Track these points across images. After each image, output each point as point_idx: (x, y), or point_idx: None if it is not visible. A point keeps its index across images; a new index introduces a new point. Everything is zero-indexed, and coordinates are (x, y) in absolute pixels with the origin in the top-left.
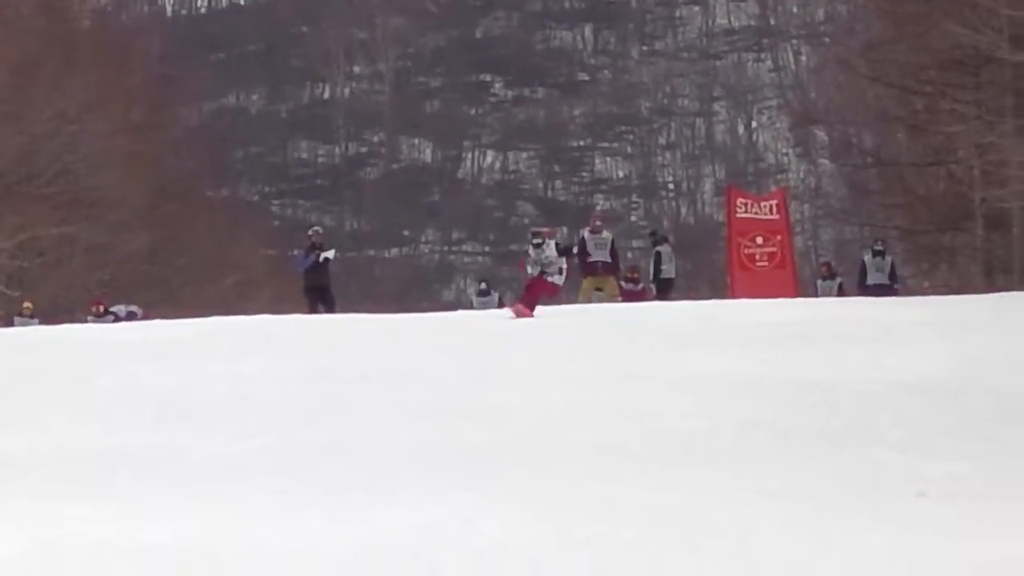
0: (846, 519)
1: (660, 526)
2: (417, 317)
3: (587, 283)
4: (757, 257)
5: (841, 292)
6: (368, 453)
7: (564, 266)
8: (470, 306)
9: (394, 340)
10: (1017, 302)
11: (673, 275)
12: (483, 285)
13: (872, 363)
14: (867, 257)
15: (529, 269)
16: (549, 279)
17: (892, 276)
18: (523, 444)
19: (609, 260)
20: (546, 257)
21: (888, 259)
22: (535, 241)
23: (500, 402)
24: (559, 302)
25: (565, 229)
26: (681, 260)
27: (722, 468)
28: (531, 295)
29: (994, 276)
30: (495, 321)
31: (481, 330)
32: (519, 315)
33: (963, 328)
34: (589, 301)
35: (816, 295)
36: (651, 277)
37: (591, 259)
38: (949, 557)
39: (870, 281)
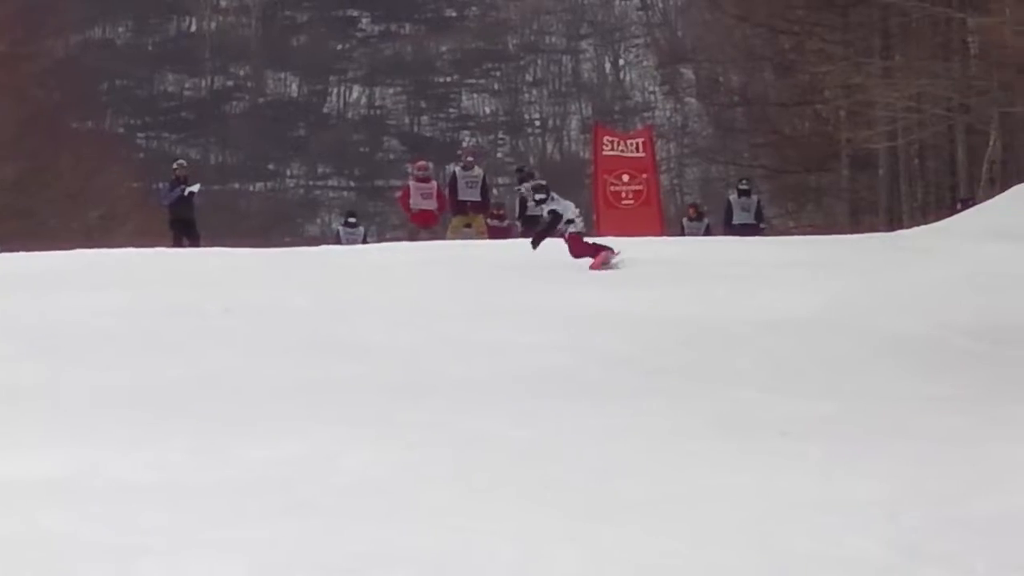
0: (712, 457)
1: (525, 462)
2: (282, 251)
3: (456, 220)
4: (623, 195)
5: (708, 234)
6: (231, 388)
7: (572, 219)
8: (335, 240)
9: (258, 274)
10: (883, 242)
11: (539, 213)
12: (351, 218)
13: (738, 302)
14: (733, 196)
15: (565, 228)
16: (576, 231)
17: (758, 216)
18: (387, 379)
19: (479, 199)
20: (551, 211)
21: (754, 198)
22: (538, 196)
23: (364, 337)
24: (432, 237)
25: (431, 164)
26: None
27: (587, 405)
28: (584, 248)
29: (860, 216)
30: (359, 255)
31: (345, 265)
32: (605, 264)
33: (829, 268)
34: (457, 238)
35: (682, 233)
36: (517, 214)
37: (461, 197)
38: (813, 496)
39: (736, 220)
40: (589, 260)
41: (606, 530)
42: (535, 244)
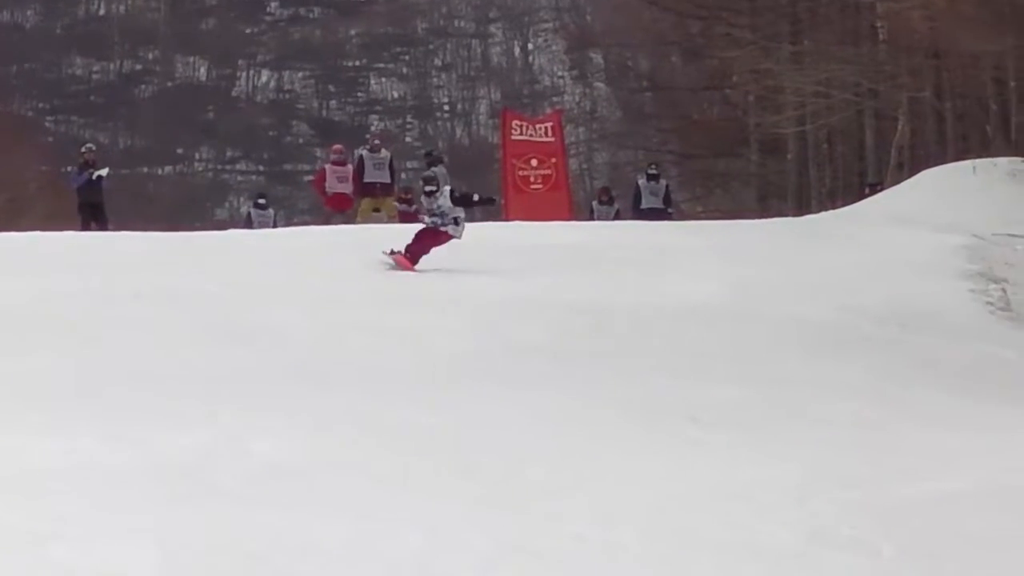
0: (620, 443)
1: (432, 448)
2: (191, 235)
3: (365, 203)
4: (532, 179)
5: (618, 218)
6: (141, 374)
7: (461, 215)
8: (246, 222)
9: (167, 259)
10: (791, 227)
11: None
12: (261, 200)
13: (647, 288)
14: (641, 181)
15: (427, 220)
16: (443, 228)
17: (667, 200)
18: (297, 366)
19: (387, 180)
20: (439, 206)
21: (663, 183)
22: (427, 188)
23: (274, 323)
24: (345, 221)
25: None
26: (456, 181)
27: (496, 392)
28: (418, 244)
29: (768, 201)
30: (269, 240)
31: (255, 249)
32: (399, 266)
33: (737, 254)
34: (367, 222)
35: (592, 218)
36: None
37: (368, 179)
38: (721, 482)
39: (644, 205)
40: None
41: (513, 517)
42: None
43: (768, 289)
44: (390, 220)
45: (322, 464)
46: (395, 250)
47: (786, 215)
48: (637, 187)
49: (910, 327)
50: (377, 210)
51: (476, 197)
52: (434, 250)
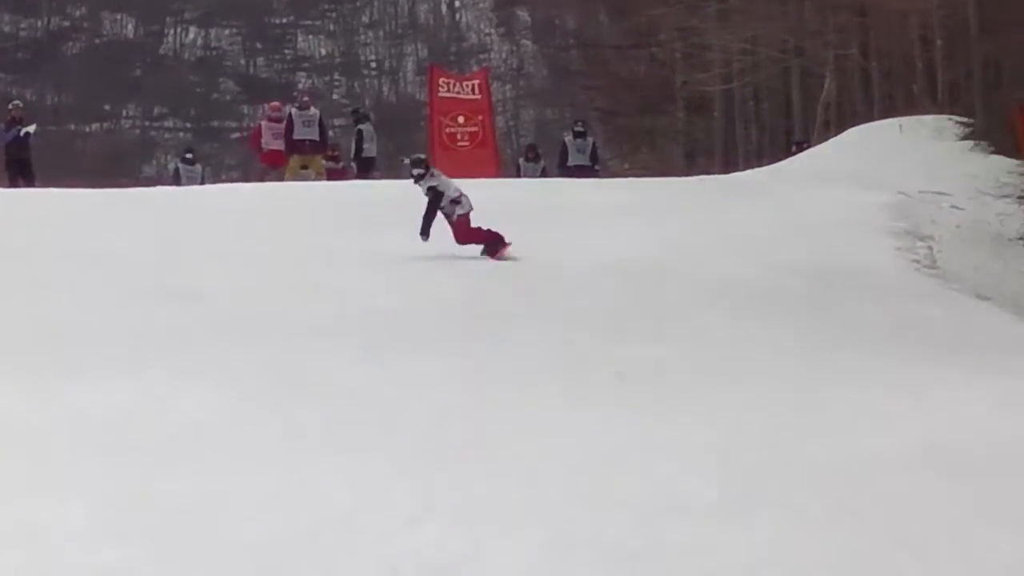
0: (544, 401)
1: (356, 405)
2: (118, 192)
3: (293, 161)
4: (459, 136)
5: (544, 175)
6: (65, 331)
7: (455, 198)
8: (173, 177)
9: (94, 216)
10: (718, 185)
11: (374, 154)
12: (189, 154)
13: (573, 245)
14: (568, 138)
15: (452, 207)
16: (454, 218)
17: (593, 158)
18: (221, 323)
19: (317, 138)
20: (429, 188)
21: (589, 140)
22: (415, 171)
23: (199, 280)
24: (279, 178)
25: (267, 106)
26: (383, 139)
27: (419, 348)
28: (473, 236)
29: (695, 159)
30: (196, 197)
31: (182, 207)
32: (503, 255)
33: (664, 212)
34: (295, 179)
35: (518, 174)
36: (352, 156)
37: (298, 137)
38: (647, 440)
39: (571, 162)
40: (476, 247)
41: (438, 472)
42: (425, 233)
43: (694, 247)
44: (318, 177)
45: (246, 421)
46: (487, 254)
47: (713, 173)
48: (564, 145)
49: (836, 285)
50: (305, 167)
51: (425, 218)
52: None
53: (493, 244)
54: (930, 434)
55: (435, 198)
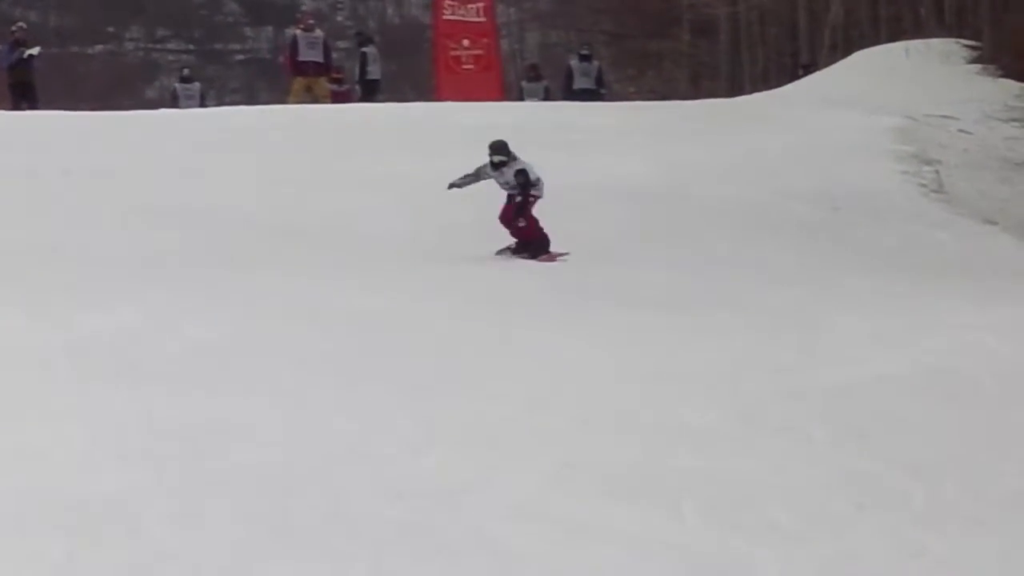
0: (550, 328)
1: (362, 331)
2: (121, 115)
3: (297, 83)
4: (463, 59)
5: (547, 96)
6: (68, 254)
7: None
8: (172, 98)
9: (98, 138)
10: (723, 109)
11: (379, 76)
12: (185, 72)
13: (578, 169)
14: (573, 62)
15: (466, 176)
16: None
17: (599, 81)
18: (223, 247)
19: (321, 60)
20: (505, 182)
21: (595, 64)
22: (496, 159)
23: (202, 203)
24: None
25: (271, 28)
26: (387, 62)
27: (426, 273)
28: (525, 233)
29: (700, 82)
30: (200, 120)
31: (186, 129)
32: (549, 259)
33: (670, 136)
34: (300, 102)
35: (522, 98)
36: (356, 78)
37: (302, 59)
38: (653, 366)
39: (576, 86)
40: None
41: (442, 400)
42: (515, 227)
43: (700, 171)
44: (323, 100)
45: (250, 346)
46: (528, 255)
47: (718, 96)
48: (569, 68)
49: (842, 210)
50: (309, 89)
51: (520, 200)
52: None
53: (541, 245)
54: (936, 359)
55: (527, 184)
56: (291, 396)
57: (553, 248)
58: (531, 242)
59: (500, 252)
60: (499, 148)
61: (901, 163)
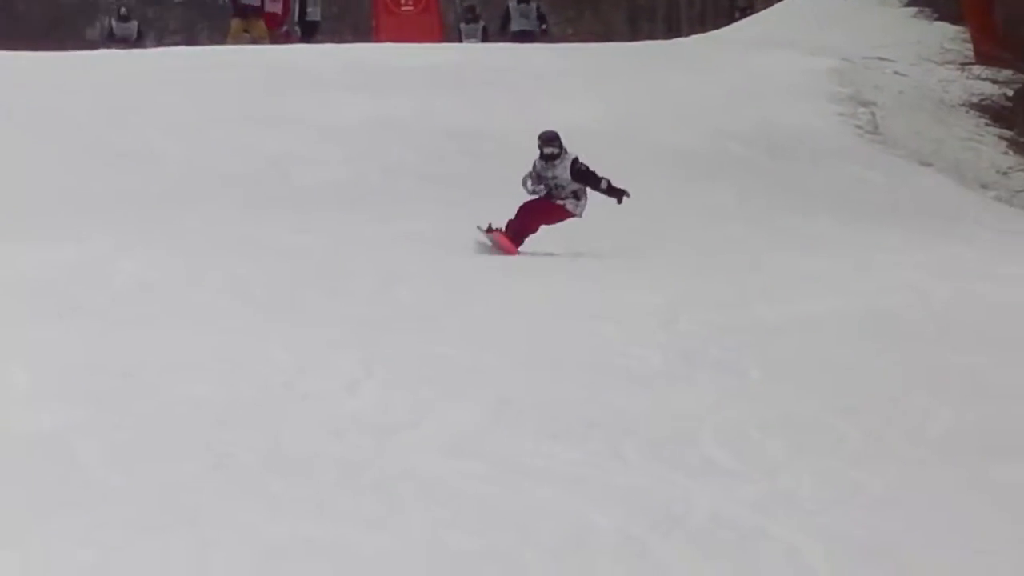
0: (487, 267)
1: (301, 268)
2: (62, 55)
3: (235, 25)
4: (402, 1)
5: (485, 37)
6: (7, 193)
7: (578, 190)
8: (108, 35)
9: (39, 79)
10: (661, 51)
11: (319, 18)
12: (123, 10)
13: (517, 111)
14: (511, 3)
15: (530, 185)
16: (559, 203)
17: (541, 18)
18: (165, 188)
19: (258, 3)
20: (554, 177)
21: (533, 5)
22: (546, 151)
23: (140, 144)
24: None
25: None
26: (327, 3)
27: (367, 212)
28: (521, 221)
29: (638, 24)
30: (139, 61)
31: (128, 72)
32: (499, 247)
33: (608, 78)
34: (238, 43)
35: (460, 39)
36: (295, 19)
37: (244, 1)
38: (590, 305)
39: (515, 27)
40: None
41: (381, 336)
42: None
43: (638, 113)
44: (261, 41)
45: (191, 284)
46: (493, 227)
47: (656, 38)
48: (507, 9)
49: (779, 151)
50: (247, 31)
51: (604, 184)
52: (543, 228)
53: (512, 236)
54: (872, 300)
55: (588, 175)
56: (229, 334)
57: (518, 246)
58: (515, 228)
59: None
60: (550, 139)
61: (838, 105)
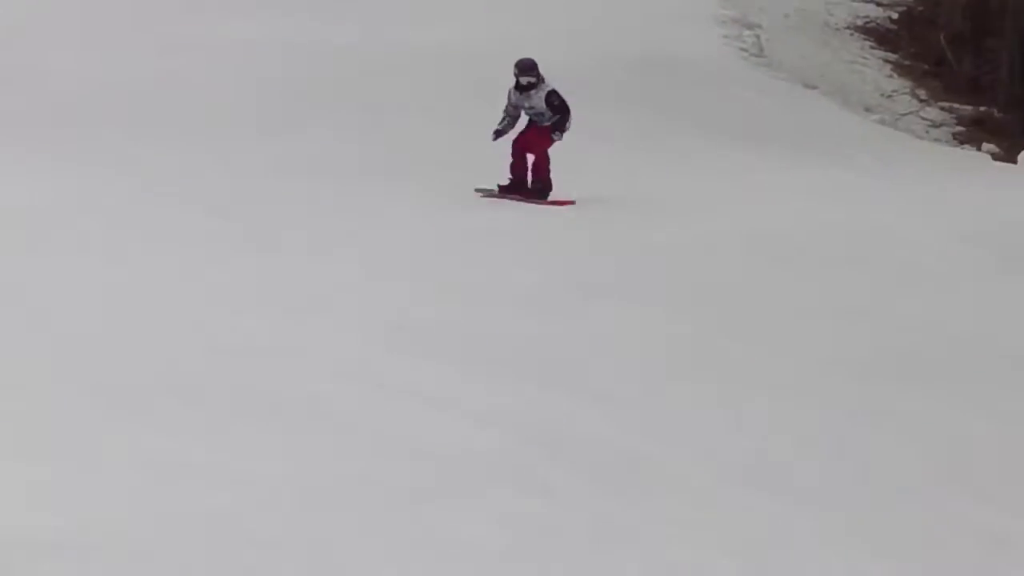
0: (379, 190)
1: (196, 195)
2: None
3: None
4: None
5: None
6: None
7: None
8: None
9: None
10: None
11: None
12: None
13: (398, 32)
14: None
15: (504, 120)
16: (545, 127)
17: None
18: (62, 111)
19: None
20: (531, 107)
21: None
22: (524, 80)
23: (41, 66)
24: None
25: None
26: None
27: (257, 142)
28: (537, 166)
29: None
30: None
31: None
32: (559, 204)
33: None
34: None
35: None
36: None
37: None
38: (475, 227)
39: None
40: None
41: (276, 261)
42: (499, 134)
43: (522, 37)
44: None
45: (79, 209)
46: (534, 198)
47: None
48: None
49: (664, 75)
50: None
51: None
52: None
53: (544, 190)
54: (759, 222)
55: (564, 107)
56: (118, 259)
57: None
58: (533, 183)
59: (484, 192)
60: (528, 68)
61: (723, 27)
